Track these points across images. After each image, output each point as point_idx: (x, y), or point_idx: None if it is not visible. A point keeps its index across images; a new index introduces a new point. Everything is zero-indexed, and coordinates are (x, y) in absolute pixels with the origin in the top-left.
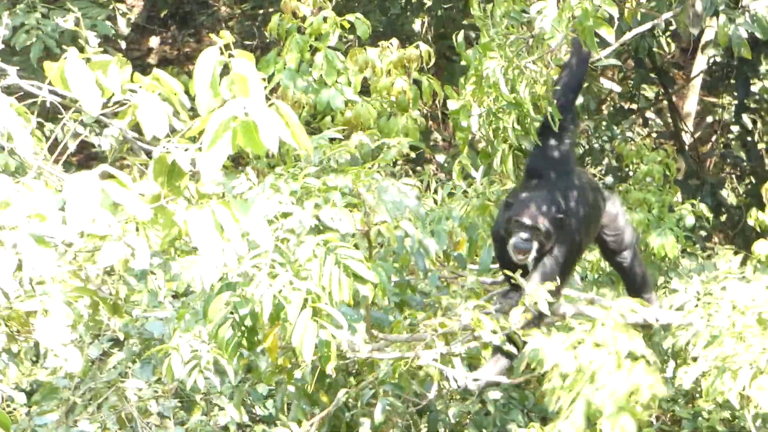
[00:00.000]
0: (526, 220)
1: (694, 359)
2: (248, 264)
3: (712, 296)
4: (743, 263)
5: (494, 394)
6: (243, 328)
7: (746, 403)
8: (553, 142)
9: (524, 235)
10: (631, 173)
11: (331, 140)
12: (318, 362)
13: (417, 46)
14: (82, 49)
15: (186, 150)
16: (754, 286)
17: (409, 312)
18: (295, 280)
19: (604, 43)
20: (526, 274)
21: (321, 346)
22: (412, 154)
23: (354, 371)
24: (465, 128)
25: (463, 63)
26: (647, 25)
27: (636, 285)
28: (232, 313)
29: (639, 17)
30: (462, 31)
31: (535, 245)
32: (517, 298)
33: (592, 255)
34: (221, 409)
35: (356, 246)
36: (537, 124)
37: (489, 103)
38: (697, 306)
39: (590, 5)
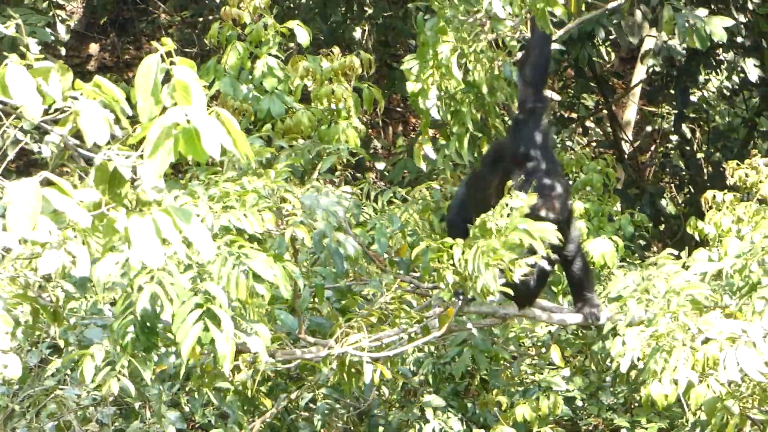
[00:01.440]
0: (551, 214)
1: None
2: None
3: (649, 281)
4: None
5: (436, 401)
6: (143, 328)
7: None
8: (531, 123)
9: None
10: (570, 182)
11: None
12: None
13: (358, 54)
14: (23, 56)
15: (127, 157)
16: (690, 272)
17: (349, 315)
18: (181, 280)
19: (561, 24)
20: None
21: (211, 346)
22: (352, 161)
23: (296, 375)
24: (425, 111)
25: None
26: (597, 12)
27: (579, 281)
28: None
29: (584, 8)
30: (421, 13)
31: None
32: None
33: None
34: (162, 417)
35: (264, 248)
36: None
37: (447, 85)
38: (635, 290)
39: None
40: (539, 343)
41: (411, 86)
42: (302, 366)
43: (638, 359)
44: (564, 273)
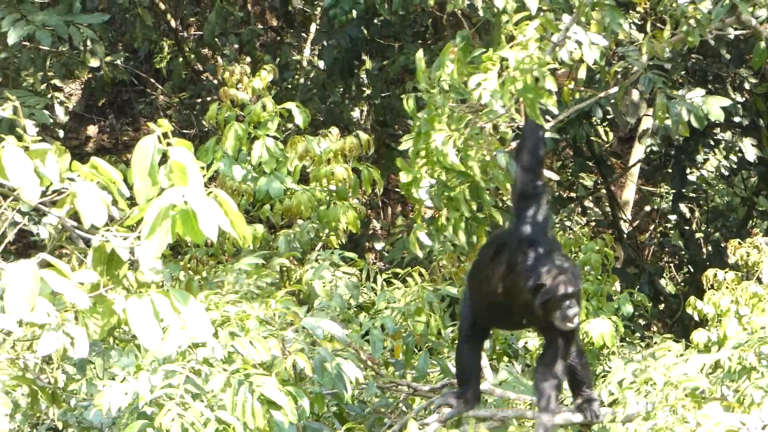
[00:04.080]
0: (571, 289)
1: None
2: (160, 392)
3: (647, 373)
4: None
5: None
6: None
7: None
8: (534, 208)
9: (573, 301)
10: None
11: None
12: None
13: (356, 135)
14: (20, 138)
15: (125, 239)
16: (689, 364)
17: (350, 424)
18: (206, 411)
19: (548, 114)
20: None
21: None
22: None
23: None
24: (419, 200)
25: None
26: (590, 101)
27: (580, 377)
28: None
29: (577, 96)
30: (413, 95)
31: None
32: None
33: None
34: None
35: (270, 373)
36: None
37: (439, 174)
38: (633, 382)
39: (530, 79)
40: None
41: (404, 177)
42: None
43: None
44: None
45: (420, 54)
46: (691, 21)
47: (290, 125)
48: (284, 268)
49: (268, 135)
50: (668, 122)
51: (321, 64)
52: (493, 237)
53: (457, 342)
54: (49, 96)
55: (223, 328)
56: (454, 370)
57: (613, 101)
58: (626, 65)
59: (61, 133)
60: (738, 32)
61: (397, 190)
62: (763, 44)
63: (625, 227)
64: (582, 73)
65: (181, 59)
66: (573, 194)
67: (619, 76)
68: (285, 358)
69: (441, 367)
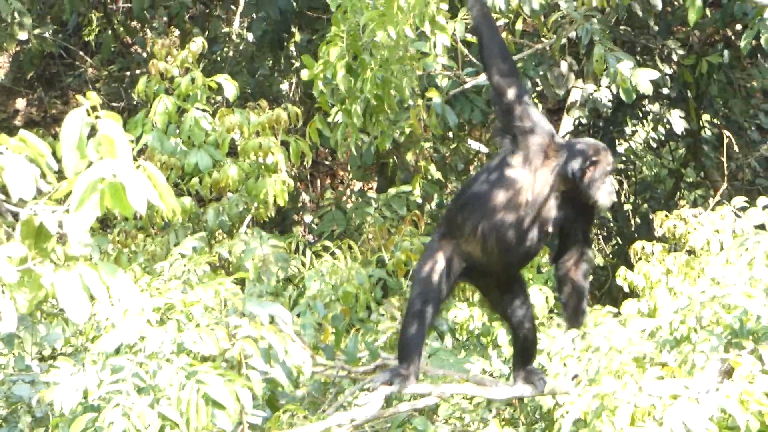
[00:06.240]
0: (612, 164)
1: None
2: (108, 387)
3: (587, 341)
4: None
5: None
6: None
7: None
8: (524, 103)
9: (612, 176)
10: None
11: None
12: None
13: (285, 107)
14: None
15: (53, 212)
16: (629, 330)
17: (285, 407)
18: (148, 410)
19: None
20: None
21: None
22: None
23: None
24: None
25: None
26: (528, 51)
27: (528, 351)
28: None
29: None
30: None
31: None
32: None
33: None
34: None
35: (216, 365)
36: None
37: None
38: (574, 349)
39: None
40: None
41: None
42: None
43: (581, 419)
44: (512, 337)
45: None
46: None
47: (219, 98)
48: (214, 241)
49: (197, 108)
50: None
51: (250, 36)
52: (494, 160)
53: (404, 317)
54: None
55: (169, 316)
56: (382, 354)
57: (541, 73)
58: (563, 14)
59: None
60: None
61: (326, 162)
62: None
63: None
64: (519, 25)
65: (110, 32)
66: None
67: (559, 24)
68: (232, 346)
69: (370, 350)
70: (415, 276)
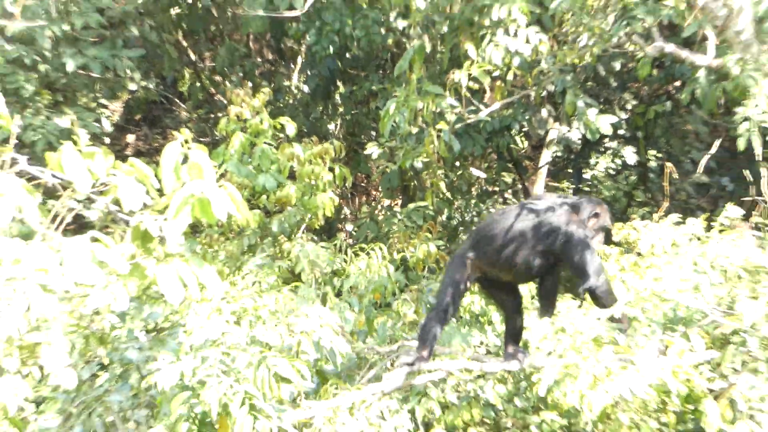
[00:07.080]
0: (610, 221)
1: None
2: (203, 372)
3: (558, 326)
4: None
5: None
6: (196, 421)
7: (583, 403)
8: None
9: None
10: None
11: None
12: None
13: (331, 142)
14: (75, 143)
15: (155, 220)
16: (589, 317)
17: (331, 381)
18: (235, 384)
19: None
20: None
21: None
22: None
23: None
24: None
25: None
26: (516, 96)
27: (518, 334)
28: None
29: (506, 94)
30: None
31: None
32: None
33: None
34: None
35: (279, 350)
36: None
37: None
38: (547, 334)
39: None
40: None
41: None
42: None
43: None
44: (505, 323)
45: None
46: (596, 33)
47: (281, 135)
48: (278, 244)
49: (265, 142)
50: (571, 134)
51: (305, 88)
52: (505, 208)
53: (429, 310)
54: (98, 112)
55: (243, 317)
56: (405, 338)
57: (527, 118)
58: (543, 69)
59: (107, 141)
60: (624, 54)
61: (362, 185)
62: (647, 58)
63: None
64: (510, 76)
65: (198, 84)
66: (496, 188)
67: (541, 77)
68: (293, 338)
69: (394, 333)
70: (445, 279)
